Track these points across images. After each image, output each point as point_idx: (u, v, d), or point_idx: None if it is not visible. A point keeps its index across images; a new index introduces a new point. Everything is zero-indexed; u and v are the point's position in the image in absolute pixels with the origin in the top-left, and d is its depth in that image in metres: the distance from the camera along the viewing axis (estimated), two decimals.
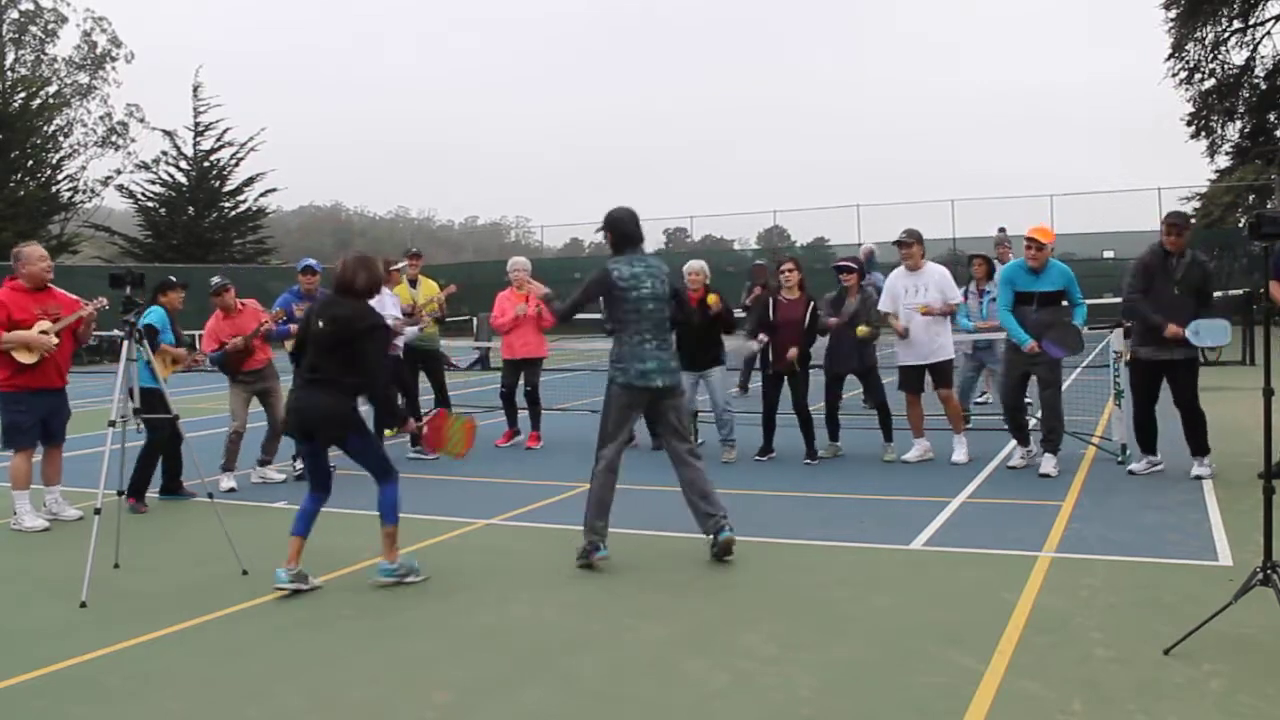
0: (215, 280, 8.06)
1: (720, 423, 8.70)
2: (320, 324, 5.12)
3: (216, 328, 7.98)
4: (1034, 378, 7.72)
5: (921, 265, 8.34)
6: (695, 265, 8.56)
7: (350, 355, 5.07)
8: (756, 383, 12.31)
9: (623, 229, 5.59)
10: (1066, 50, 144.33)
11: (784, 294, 8.60)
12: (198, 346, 7.92)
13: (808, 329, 8.43)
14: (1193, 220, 7.66)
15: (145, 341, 6.01)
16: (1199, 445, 7.31)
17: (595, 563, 5.39)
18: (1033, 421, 8.27)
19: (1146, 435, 7.51)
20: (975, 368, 9.88)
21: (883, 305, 8.44)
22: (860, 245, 21.28)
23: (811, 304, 8.50)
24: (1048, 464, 7.59)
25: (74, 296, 6.94)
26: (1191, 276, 7.16)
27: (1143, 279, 7.29)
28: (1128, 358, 7.68)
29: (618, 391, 5.49)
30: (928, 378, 8.35)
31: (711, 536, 5.44)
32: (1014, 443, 8.11)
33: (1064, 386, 9.65)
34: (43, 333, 6.63)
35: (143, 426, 6.64)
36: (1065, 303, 7.56)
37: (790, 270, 8.64)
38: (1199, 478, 7.16)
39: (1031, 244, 7.56)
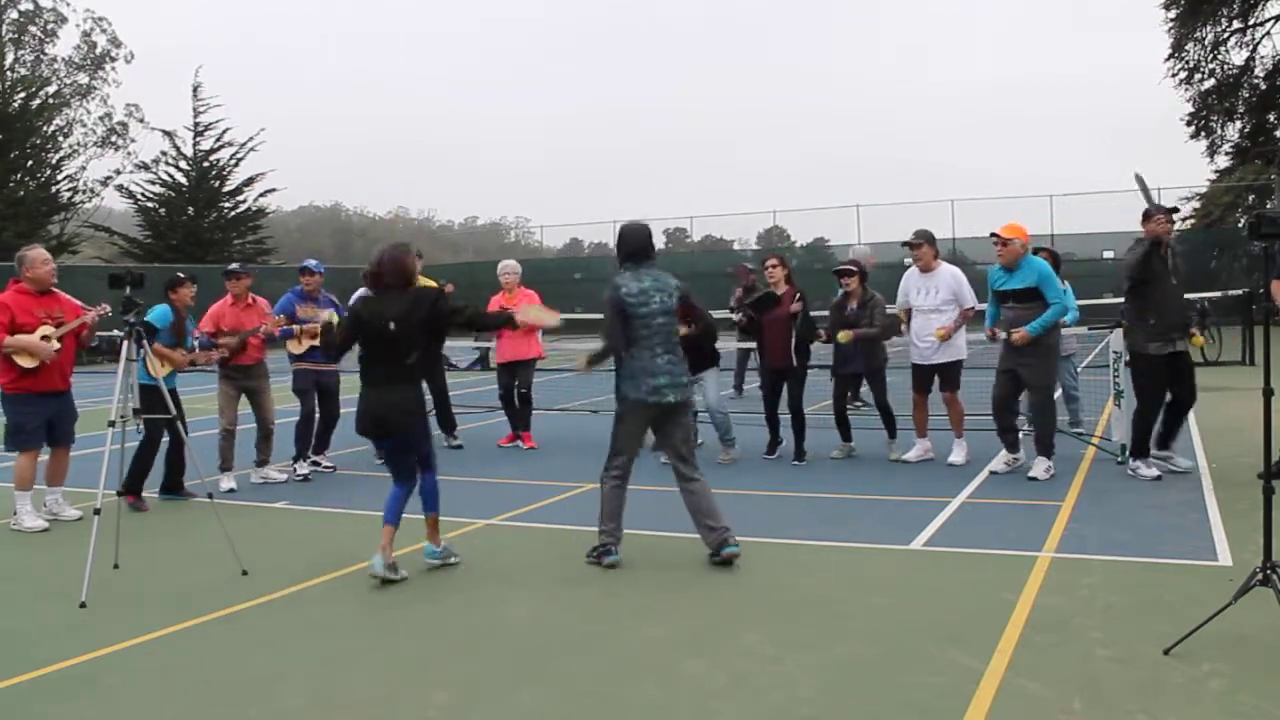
0: (234, 266, 8.33)
1: (715, 424, 8.67)
2: (392, 325, 5.22)
3: (221, 312, 8.02)
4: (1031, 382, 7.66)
5: (934, 266, 8.20)
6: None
7: (428, 344, 5.39)
8: (751, 384, 12.34)
9: (626, 246, 5.56)
10: (1066, 48, 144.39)
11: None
12: (197, 347, 7.88)
13: (799, 326, 8.34)
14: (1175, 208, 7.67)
15: (146, 339, 6.02)
16: (1173, 434, 7.55)
17: (604, 563, 5.41)
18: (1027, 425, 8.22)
19: (1162, 431, 7.50)
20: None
21: (897, 305, 8.38)
22: (851, 247, 21.12)
23: (799, 297, 8.38)
24: (1038, 468, 7.46)
25: (79, 302, 6.95)
26: (1179, 266, 7.27)
27: (1145, 271, 7.19)
28: (1127, 358, 7.64)
29: (630, 406, 5.46)
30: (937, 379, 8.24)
31: (713, 549, 5.41)
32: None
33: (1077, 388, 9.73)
34: (44, 338, 6.63)
35: (142, 426, 6.70)
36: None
37: (774, 267, 8.54)
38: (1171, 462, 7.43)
39: (995, 240, 7.56)
